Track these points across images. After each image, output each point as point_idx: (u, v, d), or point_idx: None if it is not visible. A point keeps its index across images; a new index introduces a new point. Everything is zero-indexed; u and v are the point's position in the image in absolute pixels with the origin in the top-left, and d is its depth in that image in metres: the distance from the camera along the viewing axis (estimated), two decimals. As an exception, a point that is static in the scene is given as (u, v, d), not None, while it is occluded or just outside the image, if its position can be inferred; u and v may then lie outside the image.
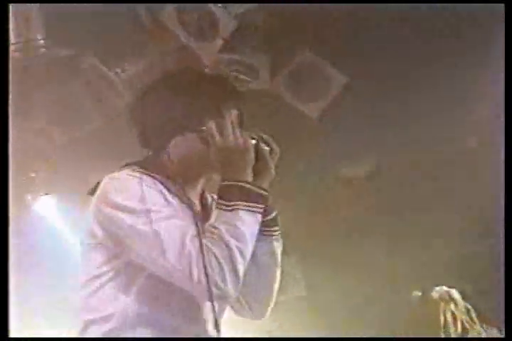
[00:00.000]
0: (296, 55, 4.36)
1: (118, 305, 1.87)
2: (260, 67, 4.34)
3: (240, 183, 1.88)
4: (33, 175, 4.32)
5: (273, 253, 2.04)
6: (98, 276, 1.89)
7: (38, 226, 4.22)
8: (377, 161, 4.50)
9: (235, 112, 2.02)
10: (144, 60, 4.32)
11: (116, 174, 1.93)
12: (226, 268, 1.77)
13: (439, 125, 4.26)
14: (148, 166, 1.95)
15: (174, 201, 1.91)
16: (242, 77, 4.28)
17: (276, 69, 4.41)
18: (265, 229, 1.96)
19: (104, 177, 1.92)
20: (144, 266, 1.84)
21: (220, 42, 4.23)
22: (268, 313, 2.09)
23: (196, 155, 1.96)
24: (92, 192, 1.92)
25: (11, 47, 3.89)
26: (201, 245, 1.78)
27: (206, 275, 1.75)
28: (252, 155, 1.93)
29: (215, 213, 1.87)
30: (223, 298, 1.81)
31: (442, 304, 3.98)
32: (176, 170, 1.95)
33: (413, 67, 4.22)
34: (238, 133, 1.93)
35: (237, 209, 1.85)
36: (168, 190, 1.92)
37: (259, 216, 1.88)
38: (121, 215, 1.84)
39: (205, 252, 1.77)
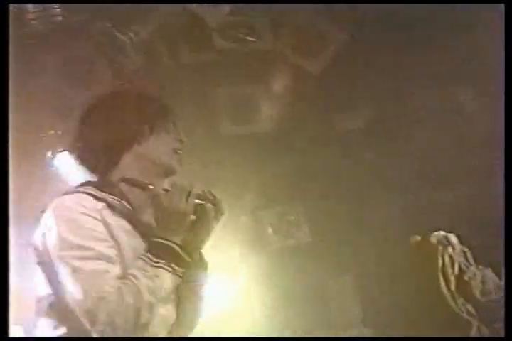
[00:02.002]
0: (297, 15, 4.49)
1: (70, 323, 1.91)
2: (263, 28, 4.50)
3: (170, 243, 1.94)
4: (51, 132, 4.46)
5: (197, 293, 2.09)
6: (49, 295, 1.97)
7: (57, 179, 4.40)
8: (374, 114, 4.57)
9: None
10: (152, 24, 4.45)
11: (66, 200, 1.96)
12: (130, 319, 1.83)
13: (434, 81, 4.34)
14: (102, 187, 2.00)
15: (118, 227, 1.95)
16: (247, 37, 4.43)
17: (279, 29, 4.55)
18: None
19: (56, 199, 1.97)
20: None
21: (227, 7, 4.36)
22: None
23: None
24: (44, 211, 1.97)
25: (29, 16, 4.12)
26: (117, 290, 1.83)
27: (110, 319, 1.81)
28: (189, 219, 1.99)
29: (139, 264, 1.91)
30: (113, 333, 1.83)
31: (440, 248, 4.12)
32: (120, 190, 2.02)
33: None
34: (183, 198, 1.97)
35: (161, 267, 1.91)
36: (120, 212, 1.98)
37: (180, 279, 1.94)
38: (59, 246, 1.88)
39: (117, 297, 1.82)
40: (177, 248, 1.96)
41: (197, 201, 2.01)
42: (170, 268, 1.93)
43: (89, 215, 1.91)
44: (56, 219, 1.92)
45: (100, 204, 1.95)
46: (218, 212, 2.06)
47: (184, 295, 2.07)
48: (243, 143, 4.68)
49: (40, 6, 4.09)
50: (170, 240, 1.96)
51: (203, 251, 2.14)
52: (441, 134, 4.40)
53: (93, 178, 2.10)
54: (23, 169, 4.26)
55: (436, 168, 4.44)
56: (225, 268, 4.65)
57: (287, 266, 4.69)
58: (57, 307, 1.94)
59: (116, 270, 1.88)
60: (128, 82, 4.32)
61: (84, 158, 2.10)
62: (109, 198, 1.98)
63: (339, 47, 4.47)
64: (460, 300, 3.98)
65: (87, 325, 1.83)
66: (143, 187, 2.03)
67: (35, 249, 1.98)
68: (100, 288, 1.83)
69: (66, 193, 2.01)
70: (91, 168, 2.10)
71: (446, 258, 4.04)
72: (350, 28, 4.41)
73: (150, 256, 1.93)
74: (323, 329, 4.72)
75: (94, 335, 1.83)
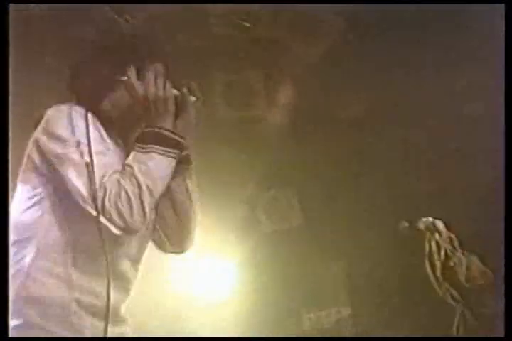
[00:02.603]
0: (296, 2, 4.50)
1: (39, 228, 1.98)
2: (262, 14, 4.53)
3: (157, 129, 2.00)
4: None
5: (187, 191, 2.17)
6: (29, 198, 2.02)
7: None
8: (371, 102, 4.57)
9: (159, 64, 2.13)
10: (149, 8, 4.47)
11: (61, 106, 2.04)
12: (134, 203, 1.87)
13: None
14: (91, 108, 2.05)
15: (108, 140, 2.03)
16: (245, 23, 4.45)
17: (277, 15, 4.57)
18: (178, 168, 2.07)
19: (49, 109, 2.04)
20: (69, 193, 1.95)
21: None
22: (187, 247, 2.21)
23: (126, 106, 2.09)
24: (38, 120, 2.05)
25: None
26: (115, 181, 1.89)
27: (116, 207, 1.86)
28: (171, 104, 2.05)
29: (131, 154, 1.98)
30: (130, 230, 1.91)
31: (428, 234, 4.19)
32: (114, 117, 2.09)
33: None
34: (160, 84, 2.05)
35: (152, 151, 1.96)
36: (106, 130, 2.04)
37: (173, 160, 2.00)
38: (55, 144, 1.95)
39: (116, 187, 1.88)
40: (165, 132, 2.01)
41: (174, 91, 2.08)
42: (161, 150, 1.98)
43: (81, 119, 1.98)
44: (49, 122, 2.00)
45: (87, 113, 2.01)
46: (198, 101, 2.13)
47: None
48: (238, 129, 4.71)
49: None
50: (157, 126, 2.01)
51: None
52: (438, 123, 4.44)
53: None
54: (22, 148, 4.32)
55: (426, 156, 4.48)
56: (219, 253, 4.70)
57: (279, 251, 4.74)
58: None
59: (115, 165, 1.95)
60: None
61: (76, 91, 2.15)
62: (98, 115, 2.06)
63: (337, 35, 4.49)
64: (445, 286, 4.04)
65: (94, 212, 1.88)
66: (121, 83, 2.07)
67: (28, 156, 2.04)
68: (101, 182, 1.87)
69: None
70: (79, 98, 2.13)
71: (433, 244, 4.09)
72: (349, 17, 4.43)
73: (139, 144, 1.99)
74: (311, 310, 4.80)
75: (103, 220, 1.88)
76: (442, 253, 4.06)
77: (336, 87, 4.51)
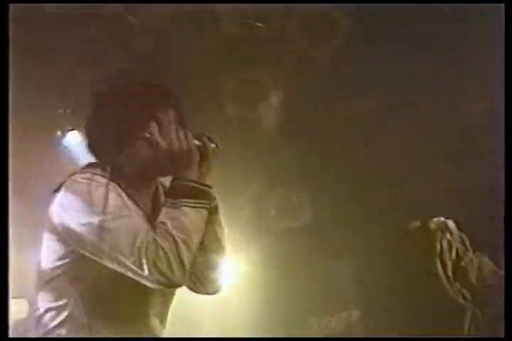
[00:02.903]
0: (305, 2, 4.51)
1: (70, 296, 1.99)
2: (272, 14, 4.53)
3: (185, 182, 1.99)
4: (60, 111, 4.48)
5: (217, 238, 2.19)
6: (54, 269, 2.02)
7: (66, 157, 4.45)
8: (380, 101, 4.53)
9: (172, 113, 2.11)
10: (162, 8, 4.48)
11: (78, 177, 2.01)
12: (172, 259, 1.87)
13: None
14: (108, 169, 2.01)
15: (129, 202, 2.01)
16: (255, 24, 4.45)
17: (288, 15, 4.58)
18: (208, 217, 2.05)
19: (68, 179, 2.01)
20: (96, 263, 1.93)
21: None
22: (219, 289, 2.27)
23: (147, 160, 2.07)
24: (57, 189, 2.02)
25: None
26: (151, 239, 1.88)
27: (155, 266, 1.85)
28: (196, 154, 2.03)
29: (163, 211, 1.97)
30: (171, 285, 1.93)
31: (439, 233, 4.18)
32: (130, 174, 2.07)
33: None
34: (181, 135, 2.03)
35: (182, 205, 1.95)
36: (125, 192, 2.02)
37: (205, 211, 2.00)
38: (78, 216, 1.93)
39: (153, 246, 1.87)
40: (193, 183, 2.01)
41: (195, 141, 2.07)
42: (192, 203, 1.98)
43: (102, 189, 1.96)
44: (71, 195, 1.97)
45: (109, 182, 1.99)
46: (217, 148, 2.11)
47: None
48: (249, 126, 4.71)
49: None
50: (184, 178, 2.01)
51: None
52: (446, 120, 4.43)
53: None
54: (33, 147, 4.34)
55: (438, 154, 4.47)
56: (229, 249, 4.71)
57: (290, 247, 4.75)
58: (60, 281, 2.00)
59: (145, 225, 1.95)
60: (137, 64, 4.36)
61: (93, 149, 2.14)
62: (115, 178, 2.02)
63: (347, 34, 4.49)
64: (456, 285, 4.03)
65: (139, 271, 1.88)
66: (142, 138, 2.05)
67: (50, 224, 2.02)
68: (140, 241, 1.88)
69: (76, 173, 2.05)
70: (96, 155, 2.14)
71: (445, 244, 4.09)
72: (358, 16, 4.42)
73: (169, 200, 1.99)
74: (321, 309, 4.79)
75: (145, 282, 1.89)
76: (454, 252, 4.06)
77: (343, 86, 4.51)
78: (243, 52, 4.48)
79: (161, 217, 1.96)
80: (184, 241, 1.91)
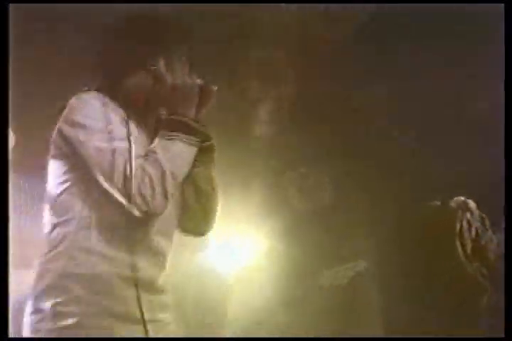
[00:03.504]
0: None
1: (75, 211, 2.02)
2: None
3: (183, 118, 2.04)
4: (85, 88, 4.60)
5: (209, 179, 2.22)
6: (60, 183, 2.05)
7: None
8: (394, 88, 4.50)
9: (183, 58, 2.14)
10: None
11: (83, 94, 2.06)
12: (157, 187, 1.93)
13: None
14: (109, 93, 2.07)
15: (131, 125, 2.03)
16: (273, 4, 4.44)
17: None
18: (201, 156, 2.11)
19: (72, 97, 2.05)
20: (95, 179, 1.97)
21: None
22: (207, 231, 2.28)
23: (147, 92, 2.11)
24: (61, 109, 2.06)
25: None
26: (139, 165, 1.93)
27: (139, 191, 1.91)
28: (197, 93, 2.08)
29: (156, 140, 2.02)
30: (152, 214, 1.96)
31: (459, 213, 4.19)
32: (135, 102, 2.10)
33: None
34: (186, 72, 2.10)
35: (176, 139, 2.01)
36: (127, 115, 2.05)
37: (195, 148, 2.05)
38: (78, 132, 1.98)
39: (140, 171, 1.92)
40: (189, 120, 2.06)
41: (198, 80, 2.11)
42: (185, 138, 2.03)
43: (103, 105, 2.02)
44: (71, 111, 2.03)
45: (108, 101, 2.05)
46: (215, 90, 2.14)
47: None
48: (270, 106, 4.72)
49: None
50: (182, 114, 2.06)
51: None
52: (459, 108, 4.43)
53: None
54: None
55: (456, 136, 4.47)
56: (249, 227, 4.76)
57: (309, 226, 4.79)
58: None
59: (139, 150, 1.98)
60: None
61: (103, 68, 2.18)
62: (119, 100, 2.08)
63: (358, 24, 4.48)
64: (475, 264, 4.05)
65: (118, 197, 1.93)
66: (148, 69, 2.09)
67: (54, 144, 2.07)
68: (125, 167, 1.93)
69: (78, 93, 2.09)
70: (104, 75, 2.16)
71: (464, 223, 4.09)
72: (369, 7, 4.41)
73: (164, 131, 2.04)
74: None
75: (134, 211, 1.93)
76: (473, 232, 4.07)
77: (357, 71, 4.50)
78: (260, 34, 4.48)
79: (153, 146, 2.01)
80: (171, 172, 1.96)
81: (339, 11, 4.37)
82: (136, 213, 1.94)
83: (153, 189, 1.92)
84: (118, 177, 1.92)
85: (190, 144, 2.04)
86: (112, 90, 2.10)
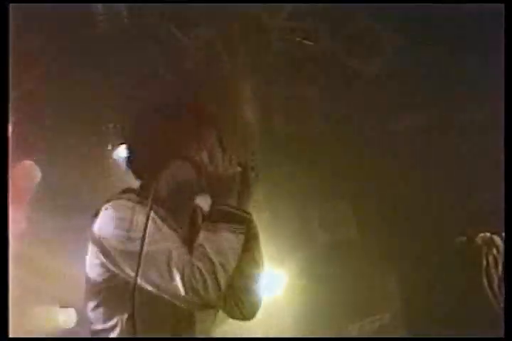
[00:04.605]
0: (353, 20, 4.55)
1: (116, 320, 2.01)
2: (320, 32, 4.58)
3: (225, 207, 2.00)
4: (110, 126, 4.61)
5: (256, 265, 2.19)
6: (99, 292, 2.04)
7: (116, 170, 4.59)
8: (427, 115, 4.55)
9: (215, 134, 2.12)
10: (213, 26, 4.57)
11: (113, 204, 2.01)
12: (209, 279, 1.88)
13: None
14: (142, 193, 2.03)
15: (164, 227, 1.99)
16: (304, 41, 4.51)
17: (335, 33, 4.63)
18: (248, 244, 2.07)
19: (104, 205, 2.02)
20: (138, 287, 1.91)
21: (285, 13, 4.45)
22: (255, 313, 2.25)
23: (187, 181, 2.07)
24: (95, 215, 2.03)
25: (99, 18, 4.28)
26: (187, 262, 1.89)
27: (191, 286, 1.87)
28: (238, 181, 2.04)
29: (201, 234, 1.97)
30: (207, 306, 1.93)
31: (485, 249, 4.15)
32: (167, 195, 2.06)
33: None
34: (227, 160, 2.06)
35: (221, 229, 1.96)
36: (159, 216, 2.00)
37: (242, 236, 2.00)
38: (114, 243, 1.95)
39: (189, 267, 1.88)
40: (232, 209, 2.02)
41: (238, 168, 2.07)
42: (230, 228, 1.99)
43: (135, 214, 1.97)
44: (109, 222, 1.99)
45: (142, 208, 1.98)
46: (258, 177, 2.11)
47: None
48: (296, 142, 4.75)
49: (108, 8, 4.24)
50: (224, 204, 2.02)
51: None
52: (493, 135, 4.40)
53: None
54: (85, 158, 4.44)
55: (484, 169, 4.44)
56: (273, 261, 4.74)
57: (332, 261, 4.76)
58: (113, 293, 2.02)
59: (180, 247, 1.95)
60: (185, 81, 4.44)
61: (134, 165, 2.16)
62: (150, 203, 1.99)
63: (393, 50, 4.51)
64: (501, 299, 3.99)
65: (175, 293, 1.88)
66: (189, 160, 2.05)
67: (96, 256, 2.04)
68: (173, 266, 1.89)
69: (112, 199, 2.06)
70: (135, 172, 2.16)
71: (491, 259, 4.05)
72: (404, 31, 4.44)
73: (208, 223, 2.00)
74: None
75: (181, 304, 1.91)
76: (500, 267, 4.02)
77: (392, 102, 4.52)
78: (291, 68, 4.53)
79: (199, 240, 1.97)
80: (221, 264, 1.92)
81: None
82: (192, 309, 1.95)
83: (205, 283, 1.89)
84: (163, 279, 1.89)
85: (236, 233, 2.00)
86: (145, 189, 2.06)
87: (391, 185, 4.64)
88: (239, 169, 2.07)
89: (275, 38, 4.47)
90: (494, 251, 4.08)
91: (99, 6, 4.17)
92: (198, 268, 1.90)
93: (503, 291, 3.97)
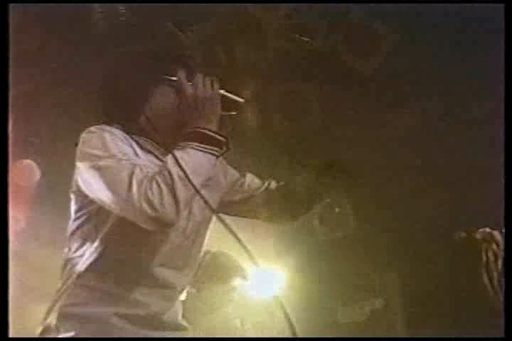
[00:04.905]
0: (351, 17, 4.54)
1: (85, 249, 1.98)
2: (319, 29, 4.58)
3: (200, 129, 1.92)
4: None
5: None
6: (74, 220, 2.02)
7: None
8: (424, 114, 4.53)
9: (197, 60, 2.11)
10: (210, 24, 4.56)
11: (92, 128, 2.00)
12: (165, 192, 1.78)
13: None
14: (125, 124, 2.02)
15: (141, 152, 1.97)
16: (303, 38, 4.51)
17: (333, 30, 4.61)
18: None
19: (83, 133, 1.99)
20: (109, 214, 1.90)
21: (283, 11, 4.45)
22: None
23: (171, 107, 2.02)
24: (77, 144, 2.00)
25: (97, 15, 4.27)
26: (148, 176, 1.82)
27: (146, 198, 1.77)
28: (219, 104, 1.97)
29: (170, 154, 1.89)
30: (162, 222, 1.81)
31: (485, 244, 4.15)
32: (153, 126, 2.02)
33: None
34: (208, 82, 1.98)
35: (187, 147, 1.89)
36: (141, 147, 1.98)
37: (213, 157, 1.92)
38: (86, 163, 1.91)
39: (148, 180, 1.80)
40: (209, 132, 1.94)
41: (221, 91, 2.00)
42: (195, 145, 1.91)
43: (111, 137, 1.96)
44: (82, 145, 1.97)
45: (117, 131, 1.99)
46: (238, 103, 2.06)
47: None
48: (293, 139, 4.75)
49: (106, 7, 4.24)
50: (201, 127, 1.94)
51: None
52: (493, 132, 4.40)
53: None
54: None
55: (486, 164, 4.45)
56: (272, 258, 4.74)
57: (333, 258, 4.76)
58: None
59: (148, 165, 1.91)
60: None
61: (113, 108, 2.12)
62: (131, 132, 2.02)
63: (391, 48, 4.51)
64: (502, 295, 3.99)
65: (131, 206, 1.81)
66: (169, 82, 2.00)
67: (75, 185, 2.04)
68: (134, 178, 1.82)
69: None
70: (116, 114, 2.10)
71: (490, 255, 4.05)
72: (402, 29, 4.44)
73: (181, 142, 1.93)
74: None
75: (137, 220, 1.83)
76: (500, 263, 4.02)
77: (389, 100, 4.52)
78: (289, 65, 4.53)
79: (165, 158, 1.91)
80: (181, 177, 1.82)
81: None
82: (146, 224, 1.82)
83: (161, 196, 1.79)
84: (122, 189, 1.81)
85: (205, 152, 1.92)
86: (129, 120, 2.03)
87: (390, 181, 4.62)
88: (222, 91, 2.00)
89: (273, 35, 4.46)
90: (494, 246, 4.08)
91: (96, 5, 4.16)
92: (156, 181, 1.80)
93: (503, 287, 3.98)
